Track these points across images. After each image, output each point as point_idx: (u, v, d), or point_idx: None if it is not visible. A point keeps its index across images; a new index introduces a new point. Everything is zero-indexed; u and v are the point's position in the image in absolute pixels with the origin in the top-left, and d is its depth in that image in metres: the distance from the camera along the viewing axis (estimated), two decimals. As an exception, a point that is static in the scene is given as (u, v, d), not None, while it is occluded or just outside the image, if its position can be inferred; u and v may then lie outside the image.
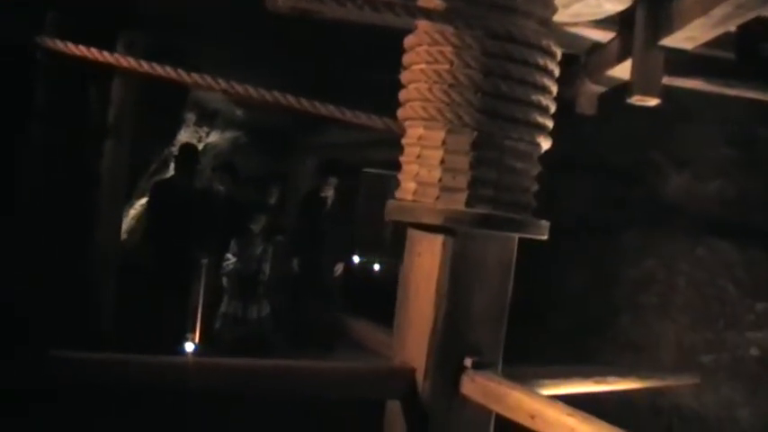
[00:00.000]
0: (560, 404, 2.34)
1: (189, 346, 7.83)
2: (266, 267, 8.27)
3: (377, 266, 13.86)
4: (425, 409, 2.67)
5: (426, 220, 2.66)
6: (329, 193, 9.00)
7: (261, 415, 4.99)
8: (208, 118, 9.25)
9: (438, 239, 2.67)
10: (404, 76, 2.81)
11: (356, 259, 11.44)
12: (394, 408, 2.79)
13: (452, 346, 2.68)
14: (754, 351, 5.12)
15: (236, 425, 5.37)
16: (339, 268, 9.15)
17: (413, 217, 2.72)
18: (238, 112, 9.61)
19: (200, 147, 9.02)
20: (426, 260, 2.72)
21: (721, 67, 3.18)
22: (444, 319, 2.67)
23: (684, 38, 2.81)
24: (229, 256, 8.05)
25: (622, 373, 3.42)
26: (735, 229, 5.35)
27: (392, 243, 15.74)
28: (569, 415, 2.24)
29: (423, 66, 2.68)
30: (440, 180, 2.66)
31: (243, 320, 8.09)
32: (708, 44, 2.96)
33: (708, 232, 5.48)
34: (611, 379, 3.26)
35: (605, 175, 6.21)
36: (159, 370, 2.51)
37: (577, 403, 2.32)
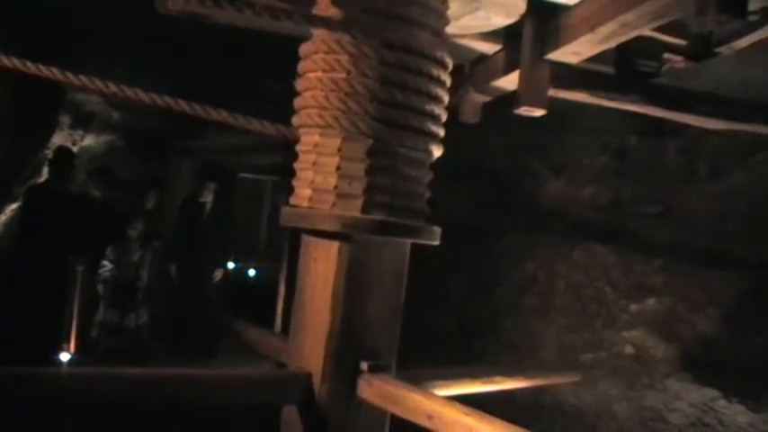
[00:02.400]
0: (457, 404, 2.40)
1: (64, 356, 7.60)
2: (144, 274, 8.13)
3: (252, 272, 13.76)
4: (322, 414, 2.69)
5: (323, 226, 2.68)
6: (208, 198, 8.91)
7: (157, 424, 4.93)
8: (83, 121, 8.99)
9: (334, 245, 2.70)
10: (299, 84, 2.84)
11: (231, 265, 11.35)
12: (291, 413, 2.80)
13: (349, 350, 2.71)
14: (629, 349, 5.34)
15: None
16: (218, 274, 9.06)
17: (309, 223, 2.74)
18: (115, 115, 9.39)
19: (75, 150, 8.75)
20: (322, 266, 2.75)
21: (603, 81, 3.32)
22: (341, 323, 2.70)
23: (570, 52, 2.93)
24: (106, 262, 7.87)
25: (509, 372, 3.51)
26: (609, 233, 5.57)
27: (267, 248, 15.70)
28: (466, 414, 2.30)
29: (319, 74, 2.71)
30: (336, 187, 2.69)
31: (120, 329, 7.93)
32: (589, 59, 3.09)
33: (584, 236, 5.69)
34: (498, 379, 3.35)
35: (485, 180, 6.37)
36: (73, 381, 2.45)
37: (464, 403, 2.39)
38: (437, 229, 2.85)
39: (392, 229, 2.70)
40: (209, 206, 8.91)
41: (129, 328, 7.95)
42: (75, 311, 7.85)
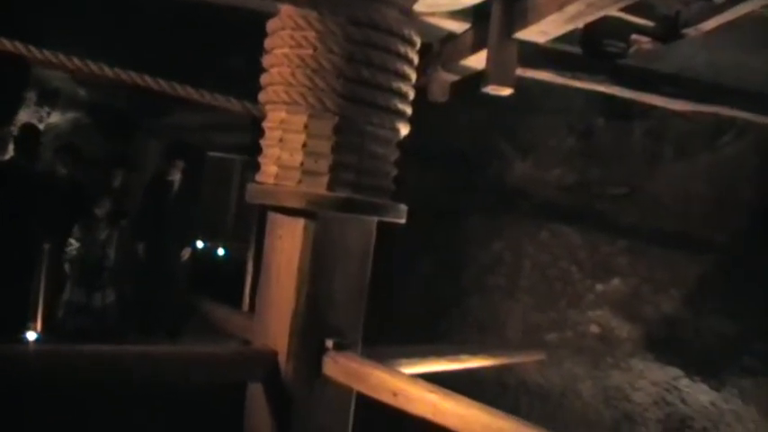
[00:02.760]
0: (422, 382, 2.41)
1: (31, 335, 7.54)
2: (111, 253, 8.06)
3: (221, 251, 13.68)
4: (288, 392, 2.70)
5: (288, 203, 2.68)
6: (175, 176, 8.83)
7: (124, 402, 4.92)
8: (49, 97, 8.88)
9: (299, 223, 2.70)
10: (266, 60, 2.82)
11: (199, 244, 11.31)
12: (256, 391, 2.80)
13: (314, 327, 2.71)
14: (594, 328, 5.39)
15: (96, 412, 5.27)
16: (186, 253, 9.01)
17: (275, 200, 2.74)
18: (81, 92, 9.28)
19: (42, 127, 8.64)
20: (288, 243, 2.74)
21: (570, 61, 3.33)
22: (306, 301, 2.70)
23: (538, 32, 2.94)
24: (72, 241, 7.79)
25: (474, 351, 3.53)
26: (576, 213, 5.61)
27: (235, 228, 15.62)
28: (431, 392, 2.32)
29: (286, 50, 2.70)
30: (302, 164, 2.68)
31: (87, 308, 7.86)
32: (557, 39, 3.10)
33: (551, 217, 5.72)
34: (463, 357, 3.36)
35: (453, 160, 6.38)
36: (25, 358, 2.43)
37: (429, 382, 2.40)
38: (403, 207, 2.86)
39: (358, 206, 2.70)
40: (176, 184, 8.83)
41: (96, 308, 7.89)
42: (42, 291, 7.78)
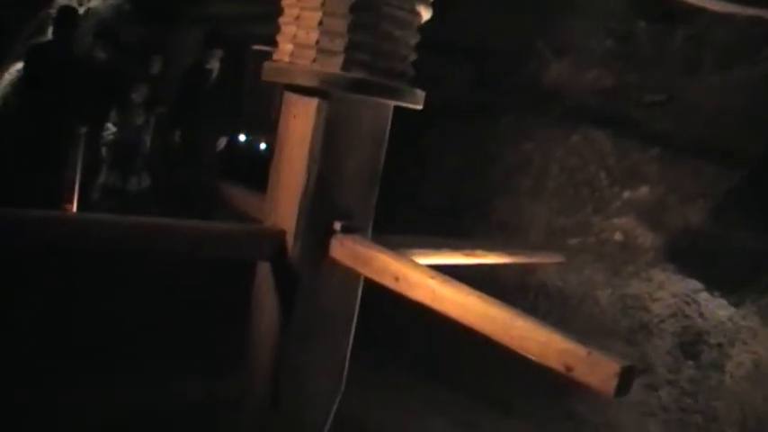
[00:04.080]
0: (424, 267, 2.41)
1: (65, 217, 7.63)
2: (147, 139, 8.13)
3: (263, 145, 13.73)
4: (294, 271, 2.70)
5: (302, 81, 2.64)
6: (214, 65, 8.77)
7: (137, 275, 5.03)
8: (89, -20, 8.83)
9: (313, 102, 2.66)
10: (287, -64, 2.75)
11: (242, 137, 11.33)
12: (264, 269, 2.82)
13: (323, 208, 2.70)
14: (618, 236, 5.34)
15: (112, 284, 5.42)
16: (222, 142, 9.01)
17: (289, 78, 2.70)
18: (122, -23, 9.21)
19: (81, 11, 8.60)
20: (301, 123, 2.71)
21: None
22: (316, 182, 2.68)
23: None
24: (109, 125, 7.86)
25: (491, 247, 3.51)
26: (609, 118, 5.51)
27: (278, 122, 15.58)
28: (431, 277, 2.32)
29: (306, -76, 2.62)
30: (317, 42, 2.62)
31: (121, 192, 7.98)
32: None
33: (583, 120, 5.63)
34: (479, 252, 3.32)
35: (488, 58, 6.26)
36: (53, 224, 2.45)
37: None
38: (420, 93, 2.80)
39: (371, 87, 2.64)
40: (214, 74, 8.77)
41: (131, 192, 8.01)
42: (78, 173, 7.87)
